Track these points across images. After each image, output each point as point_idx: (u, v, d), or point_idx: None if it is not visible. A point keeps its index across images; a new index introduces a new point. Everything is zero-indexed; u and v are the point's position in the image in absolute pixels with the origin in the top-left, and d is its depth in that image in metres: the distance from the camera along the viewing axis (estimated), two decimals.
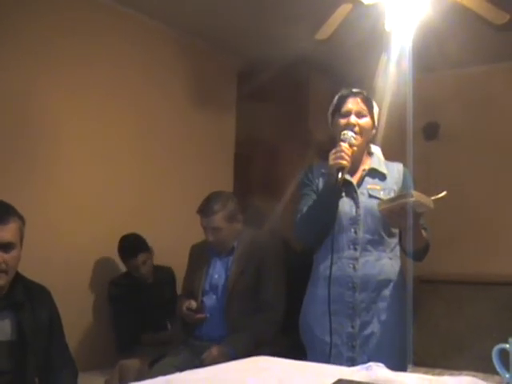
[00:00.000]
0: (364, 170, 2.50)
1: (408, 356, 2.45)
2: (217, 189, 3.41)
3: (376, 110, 2.57)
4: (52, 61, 3.56)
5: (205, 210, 3.19)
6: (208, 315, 3.16)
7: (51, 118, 3.56)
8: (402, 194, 2.33)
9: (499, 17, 2.80)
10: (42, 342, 2.29)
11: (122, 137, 4.03)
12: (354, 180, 2.48)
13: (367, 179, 2.49)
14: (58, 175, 3.60)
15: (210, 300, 3.21)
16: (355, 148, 2.40)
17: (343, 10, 3.02)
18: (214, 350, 2.99)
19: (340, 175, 2.32)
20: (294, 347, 2.61)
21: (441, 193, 2.25)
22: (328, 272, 2.43)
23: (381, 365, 1.69)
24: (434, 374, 3.81)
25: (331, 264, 2.43)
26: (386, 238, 2.43)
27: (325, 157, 2.45)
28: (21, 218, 2.30)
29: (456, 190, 2.33)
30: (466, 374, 3.62)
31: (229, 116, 5.08)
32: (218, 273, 3.24)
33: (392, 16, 2.90)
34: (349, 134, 2.40)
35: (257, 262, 3.19)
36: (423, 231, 2.41)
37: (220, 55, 4.91)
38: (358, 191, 2.45)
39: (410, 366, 2.58)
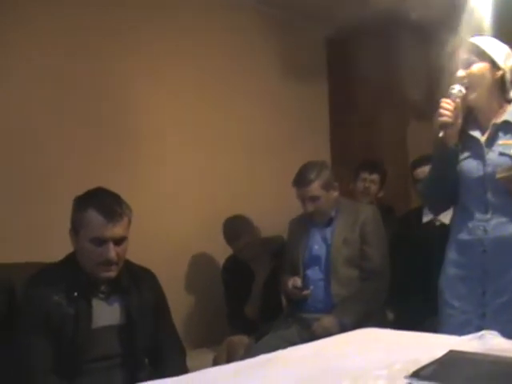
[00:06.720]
0: (494, 125, 2.28)
1: None
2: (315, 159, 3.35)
3: (493, 49, 2.25)
4: (143, 52, 3.66)
5: (300, 180, 3.15)
6: (312, 287, 3.11)
7: (149, 107, 3.67)
8: None
9: None
10: (150, 324, 2.33)
11: (218, 120, 4.07)
12: (484, 136, 2.28)
13: (500, 134, 2.26)
14: (160, 163, 3.71)
15: (312, 272, 3.17)
16: (458, 100, 2.23)
17: None
18: (325, 322, 2.96)
19: (442, 133, 2.21)
20: (399, 322, 2.52)
21: None
22: (459, 235, 2.33)
23: (495, 333, 1.60)
24: None
25: (462, 227, 2.32)
26: None
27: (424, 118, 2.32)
28: (130, 210, 2.30)
29: None
30: None
31: (321, 85, 5.01)
32: (317, 244, 3.19)
33: None
34: (456, 88, 2.24)
35: (359, 230, 3.12)
36: None
37: (306, 23, 4.80)
38: (487, 149, 2.25)
39: None
